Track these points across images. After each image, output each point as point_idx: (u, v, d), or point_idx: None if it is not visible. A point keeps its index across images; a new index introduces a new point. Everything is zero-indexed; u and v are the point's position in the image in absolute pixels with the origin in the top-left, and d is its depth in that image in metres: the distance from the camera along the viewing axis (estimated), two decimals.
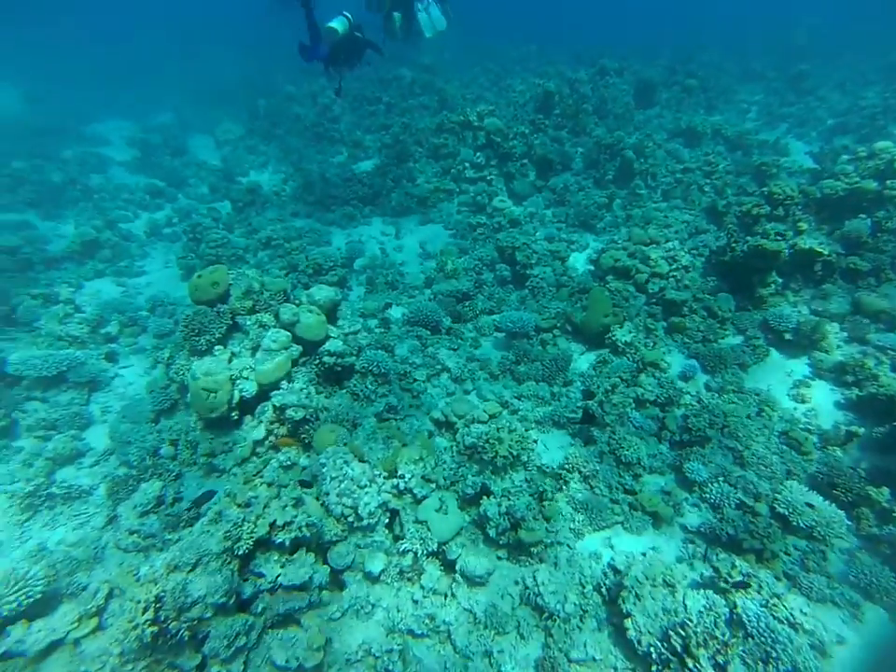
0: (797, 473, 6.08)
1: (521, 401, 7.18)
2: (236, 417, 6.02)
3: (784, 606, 4.28)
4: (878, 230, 8.77)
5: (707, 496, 5.88)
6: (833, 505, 5.45)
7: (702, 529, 5.60)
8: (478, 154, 12.88)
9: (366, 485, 4.90)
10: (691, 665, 3.65)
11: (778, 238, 8.31)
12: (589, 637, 4.50)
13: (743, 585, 4.42)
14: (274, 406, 5.89)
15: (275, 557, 4.22)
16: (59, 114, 19.00)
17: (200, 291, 6.70)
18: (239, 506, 4.23)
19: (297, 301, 7.09)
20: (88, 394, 7.51)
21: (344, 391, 6.71)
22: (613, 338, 7.86)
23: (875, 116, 14.99)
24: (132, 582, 4.24)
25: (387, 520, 5.04)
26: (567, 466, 6.15)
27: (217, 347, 6.43)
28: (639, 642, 4.02)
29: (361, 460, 5.28)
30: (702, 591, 4.29)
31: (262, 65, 25.30)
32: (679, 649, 3.73)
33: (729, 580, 4.48)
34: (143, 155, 16.67)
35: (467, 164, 13.02)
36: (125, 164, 16.30)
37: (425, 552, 4.91)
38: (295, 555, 4.29)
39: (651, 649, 3.90)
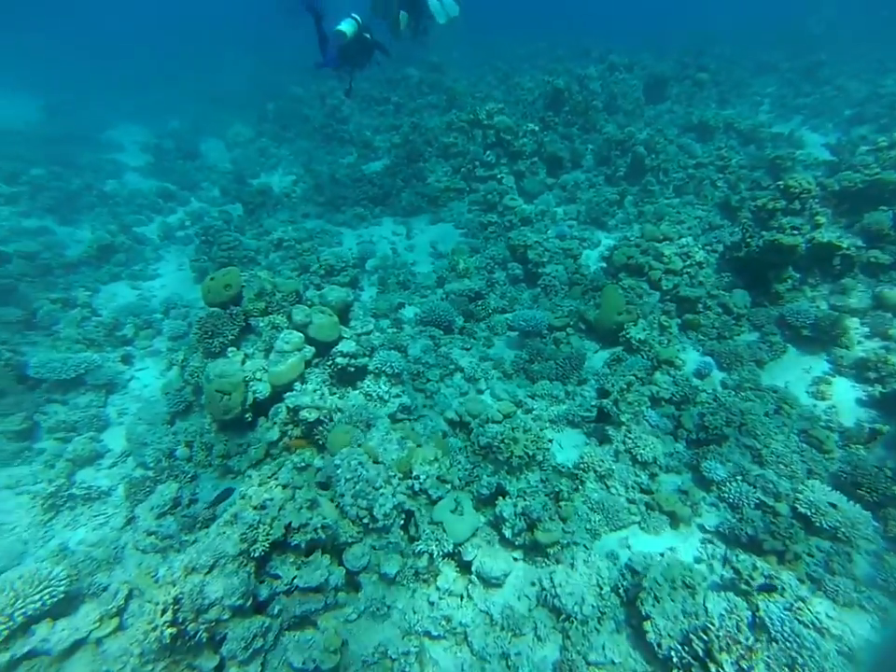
0: (818, 472, 5.96)
1: (535, 400, 7.13)
2: (250, 419, 6.05)
3: (809, 609, 4.18)
4: None
5: (726, 495, 5.80)
6: (858, 505, 5.32)
7: (720, 529, 5.52)
8: (488, 152, 12.82)
9: (381, 487, 4.88)
10: (714, 670, 3.58)
11: (795, 232, 8.16)
12: (607, 639, 4.44)
13: (769, 588, 4.31)
14: (288, 407, 5.90)
15: (291, 559, 4.23)
16: (75, 122, 19.33)
17: (213, 294, 6.74)
18: (254, 508, 4.24)
19: (309, 303, 7.10)
20: (105, 396, 7.63)
21: (358, 392, 6.72)
22: (627, 335, 7.77)
23: (895, 104, 14.66)
24: (150, 584, 4.28)
25: (402, 521, 5.02)
26: (582, 465, 6.10)
27: (230, 349, 6.46)
28: (659, 645, 3.96)
29: (376, 461, 5.26)
30: (722, 593, 4.22)
31: (271, 68, 25.50)
32: (700, 653, 3.66)
33: (751, 581, 4.39)
34: (156, 160, 16.89)
35: (477, 163, 12.98)
36: (139, 169, 16.52)
37: (440, 553, 4.89)
38: (311, 557, 4.30)
39: (672, 652, 3.83)
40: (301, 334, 6.43)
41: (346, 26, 8.60)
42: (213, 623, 3.71)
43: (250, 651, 3.75)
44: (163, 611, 3.54)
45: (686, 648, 3.78)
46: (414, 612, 4.59)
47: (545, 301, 9.06)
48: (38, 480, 6.37)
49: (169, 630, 3.49)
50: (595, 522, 5.60)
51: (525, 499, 5.32)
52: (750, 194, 10.80)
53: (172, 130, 19.47)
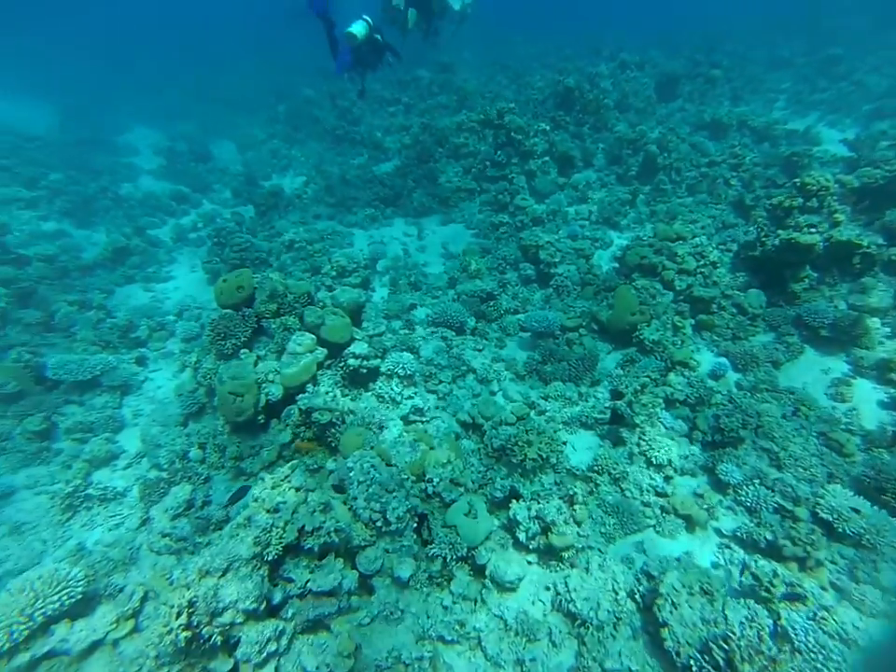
0: (839, 476, 5.83)
1: (548, 402, 7.07)
2: (263, 421, 6.07)
3: (834, 619, 4.06)
4: None
5: (743, 499, 5.70)
6: (884, 511, 5.19)
7: (738, 534, 5.42)
8: (499, 152, 12.76)
9: (394, 490, 4.87)
10: None
11: (812, 230, 8.00)
12: (624, 645, 4.38)
13: (795, 598, 4.16)
14: (300, 409, 5.90)
15: (304, 563, 4.22)
16: (91, 126, 19.59)
17: (225, 295, 6.78)
18: (268, 511, 4.24)
19: (321, 304, 7.11)
20: (120, 397, 7.71)
21: (370, 394, 6.71)
22: (640, 336, 7.69)
23: None
24: (165, 586, 4.30)
25: (416, 524, 5.00)
26: (596, 468, 6.03)
27: (242, 351, 6.49)
28: (678, 654, 3.88)
29: (388, 464, 5.25)
30: (742, 600, 4.12)
31: (282, 70, 25.66)
32: (721, 663, 3.57)
33: (771, 588, 4.29)
34: (168, 163, 17.06)
35: (488, 163, 12.93)
36: (152, 172, 16.70)
37: (454, 556, 4.85)
38: (324, 561, 4.28)
39: (692, 661, 3.75)
40: (314, 336, 6.45)
41: (357, 28, 8.62)
42: (227, 627, 3.71)
43: (264, 654, 3.75)
44: (178, 614, 3.54)
45: (706, 657, 3.70)
46: (428, 617, 4.56)
47: (557, 301, 8.99)
48: (56, 480, 6.46)
49: (184, 633, 3.50)
50: (609, 525, 5.54)
51: (539, 502, 5.28)
52: (765, 192, 10.64)
53: (184, 132, 19.66)
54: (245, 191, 14.86)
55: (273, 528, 4.11)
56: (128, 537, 5.66)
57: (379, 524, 4.73)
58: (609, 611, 4.57)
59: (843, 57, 18.71)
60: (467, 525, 4.97)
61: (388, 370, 6.79)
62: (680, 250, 8.88)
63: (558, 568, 5.06)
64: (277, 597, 4.01)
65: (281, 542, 4.07)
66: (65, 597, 4.12)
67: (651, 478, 5.94)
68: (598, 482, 5.91)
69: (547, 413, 6.87)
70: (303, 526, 4.20)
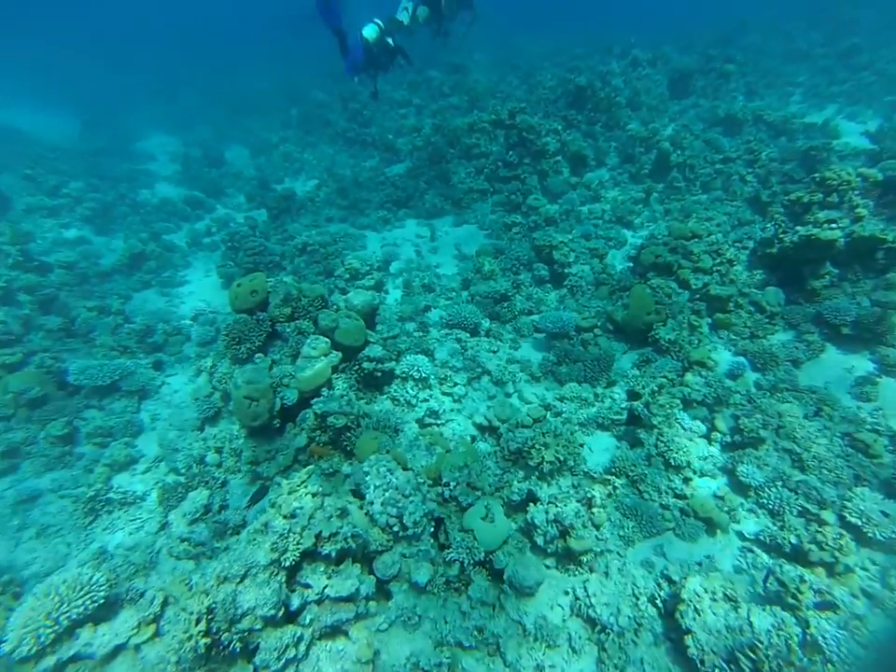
0: (867, 478, 5.67)
1: (563, 403, 7.00)
2: (278, 425, 6.09)
3: (867, 629, 3.93)
4: None
5: (765, 501, 5.57)
6: None
7: (761, 537, 5.30)
8: (511, 153, 12.70)
9: (410, 494, 4.84)
10: None
11: (832, 226, 7.82)
12: (645, 652, 4.30)
13: (827, 606, 4.03)
14: (315, 413, 5.91)
15: (322, 568, 4.21)
16: (109, 134, 19.95)
17: (239, 300, 6.82)
18: (284, 517, 4.24)
19: (335, 307, 7.12)
20: (138, 402, 7.80)
21: (385, 396, 6.70)
22: (656, 336, 7.58)
23: None
24: (184, 592, 4.32)
25: (433, 529, 4.97)
26: (614, 470, 5.95)
27: (257, 355, 6.52)
28: (702, 662, 3.79)
29: (405, 468, 5.23)
30: (768, 607, 4.02)
31: (293, 74, 25.82)
32: None
33: (798, 595, 4.17)
34: (183, 168, 17.28)
35: (500, 163, 12.87)
36: (168, 178, 16.94)
37: (471, 561, 4.81)
38: (341, 566, 4.27)
39: (717, 670, 3.67)
40: (328, 339, 6.45)
41: (368, 31, 8.65)
42: (246, 633, 3.71)
43: (283, 661, 3.74)
44: (197, 621, 3.55)
45: (732, 666, 3.61)
46: (446, 622, 4.52)
47: (572, 301, 8.91)
48: (79, 484, 6.56)
49: (204, 640, 3.51)
50: (628, 528, 5.45)
51: (556, 506, 5.21)
52: (782, 188, 10.42)
53: (198, 138, 19.92)
54: (258, 195, 14.99)
55: (290, 534, 4.10)
56: (148, 540, 5.73)
57: (396, 528, 4.71)
58: (629, 617, 4.50)
59: (863, 47, 18.28)
60: (484, 529, 4.93)
61: (403, 372, 6.77)
62: (696, 248, 8.74)
63: (577, 573, 4.99)
64: (295, 603, 4.01)
65: (298, 548, 4.06)
66: (89, 601, 4.16)
67: (670, 479, 5.85)
68: (616, 484, 5.83)
69: (563, 415, 6.79)
70: (320, 532, 4.19)
